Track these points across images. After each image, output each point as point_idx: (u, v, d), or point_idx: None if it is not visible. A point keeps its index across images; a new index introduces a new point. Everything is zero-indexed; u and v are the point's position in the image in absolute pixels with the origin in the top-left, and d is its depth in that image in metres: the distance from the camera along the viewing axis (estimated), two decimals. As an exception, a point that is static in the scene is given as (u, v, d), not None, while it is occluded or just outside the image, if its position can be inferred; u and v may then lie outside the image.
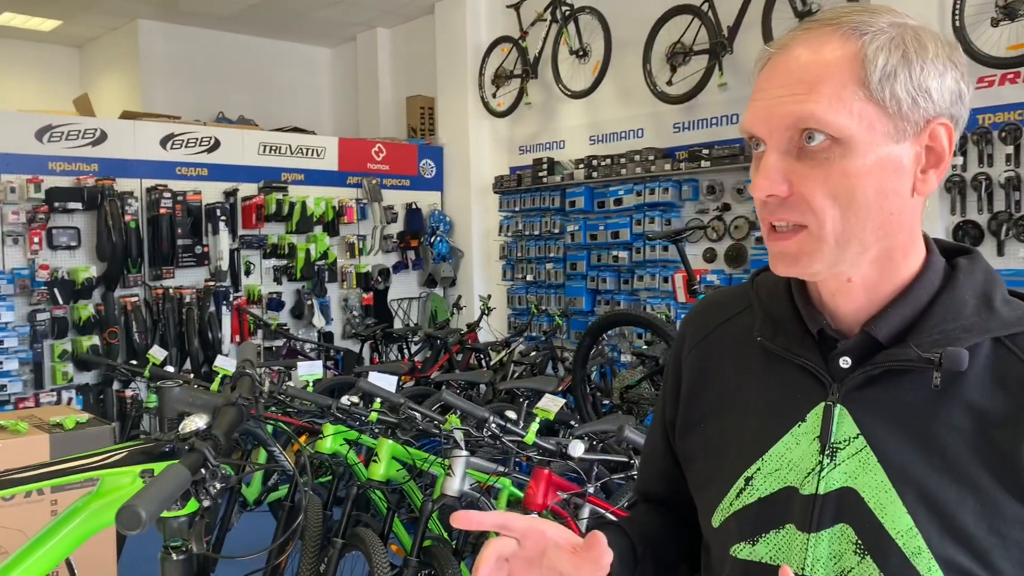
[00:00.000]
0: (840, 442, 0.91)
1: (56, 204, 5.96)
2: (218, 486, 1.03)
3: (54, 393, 6.08)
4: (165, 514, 1.12)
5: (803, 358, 0.94)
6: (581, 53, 6.68)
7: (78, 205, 6.05)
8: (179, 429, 1.07)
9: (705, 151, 5.86)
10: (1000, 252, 4.54)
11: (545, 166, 6.97)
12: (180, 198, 6.49)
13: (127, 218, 6.22)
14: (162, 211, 6.39)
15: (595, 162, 6.59)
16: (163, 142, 6.57)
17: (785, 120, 0.85)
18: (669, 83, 6.07)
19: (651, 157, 6.20)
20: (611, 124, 6.81)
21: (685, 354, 1.09)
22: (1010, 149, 4.50)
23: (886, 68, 0.84)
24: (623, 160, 6.38)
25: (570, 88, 6.77)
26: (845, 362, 0.92)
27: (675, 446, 1.09)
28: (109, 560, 2.14)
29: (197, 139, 6.74)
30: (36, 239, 5.93)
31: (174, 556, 1.09)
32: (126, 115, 6.94)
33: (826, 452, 0.91)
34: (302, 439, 3.57)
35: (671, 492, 1.13)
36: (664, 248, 6.13)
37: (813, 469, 0.91)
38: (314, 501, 2.95)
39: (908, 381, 0.89)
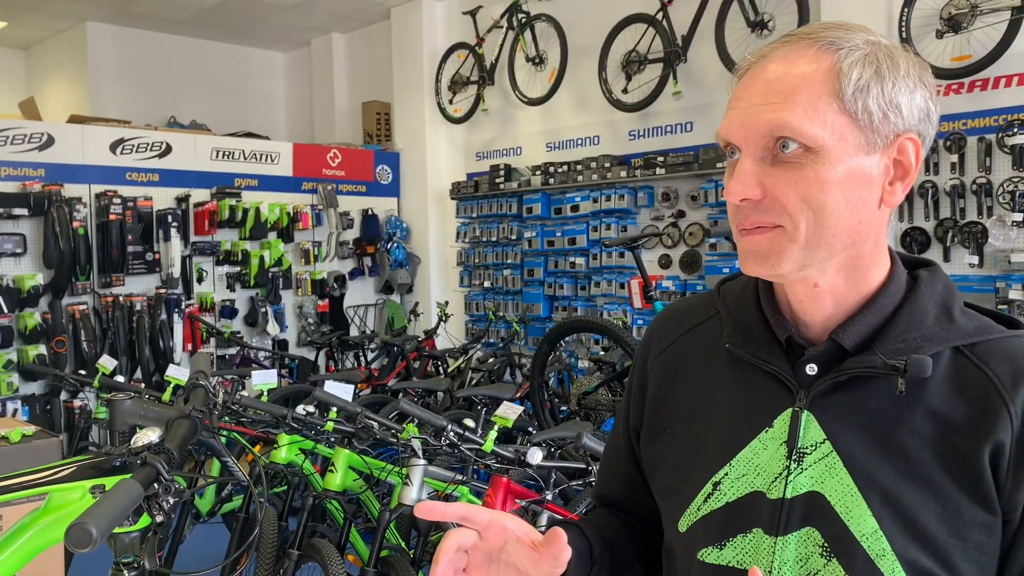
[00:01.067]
0: (807, 447, 0.93)
1: (1, 210, 5.80)
2: (172, 500, 1.01)
3: (0, 405, 5.92)
4: (117, 530, 1.10)
5: (771, 364, 0.96)
6: (537, 60, 6.71)
7: (24, 211, 5.90)
8: (131, 443, 1.04)
9: (660, 158, 5.92)
10: (946, 258, 4.66)
11: (502, 172, 6.98)
12: (130, 204, 6.37)
13: (75, 224, 6.08)
14: (112, 217, 6.26)
15: (552, 168, 6.62)
16: (113, 147, 6.44)
17: (761, 128, 0.88)
18: (624, 91, 6.13)
19: (607, 164, 6.24)
20: (568, 131, 6.85)
21: (651, 361, 1.10)
22: (955, 158, 4.62)
23: (860, 82, 0.87)
24: (579, 167, 6.42)
25: (526, 95, 6.80)
26: (811, 369, 0.94)
27: (639, 453, 1.10)
28: (57, 570, 2.09)
29: (148, 144, 6.62)
30: (-20, 246, 5.77)
31: (126, 573, 1.07)
32: (74, 119, 6.79)
33: (793, 457, 0.93)
34: (256, 449, 3.52)
35: (630, 497, 1.14)
36: (620, 255, 6.17)
37: (780, 474, 0.93)
38: (269, 512, 2.91)
39: (873, 388, 0.91)
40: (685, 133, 6.05)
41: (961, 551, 0.87)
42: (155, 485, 0.99)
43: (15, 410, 5.97)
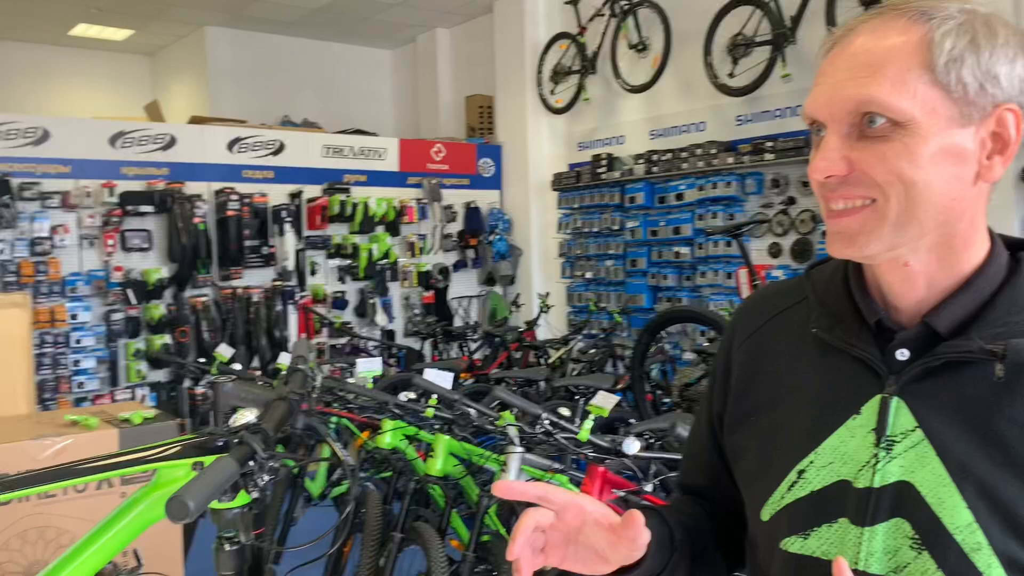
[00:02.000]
0: (897, 435, 0.89)
1: (129, 208, 6.16)
2: (267, 478, 1.05)
3: (129, 390, 6.30)
4: (219, 506, 1.15)
5: (859, 349, 0.92)
6: (640, 47, 6.62)
7: (149, 208, 6.26)
8: (229, 423, 1.10)
9: (769, 143, 5.74)
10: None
11: (604, 162, 6.93)
12: (247, 200, 6.65)
13: (196, 220, 6.39)
14: (229, 213, 6.55)
15: (655, 157, 6.53)
16: (230, 146, 6.73)
17: (847, 103, 0.85)
18: (731, 75, 5.97)
19: (713, 151, 6.11)
20: (672, 118, 6.73)
21: (736, 347, 1.07)
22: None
23: (953, 52, 0.83)
24: (684, 154, 6.30)
25: (629, 83, 6.72)
26: (903, 354, 0.90)
27: (722, 440, 1.08)
28: (176, 552, 2.21)
29: (263, 142, 6.89)
30: (111, 241, 6.15)
31: (227, 547, 1.12)
32: (194, 120, 7.13)
33: (881, 445, 0.89)
34: (364, 435, 3.62)
35: (713, 485, 1.12)
36: (727, 244, 6.03)
37: (868, 462, 0.90)
38: (374, 495, 2.99)
39: (969, 374, 0.87)
40: (795, 117, 5.85)
41: None
42: (251, 463, 1.04)
43: (143, 396, 6.34)
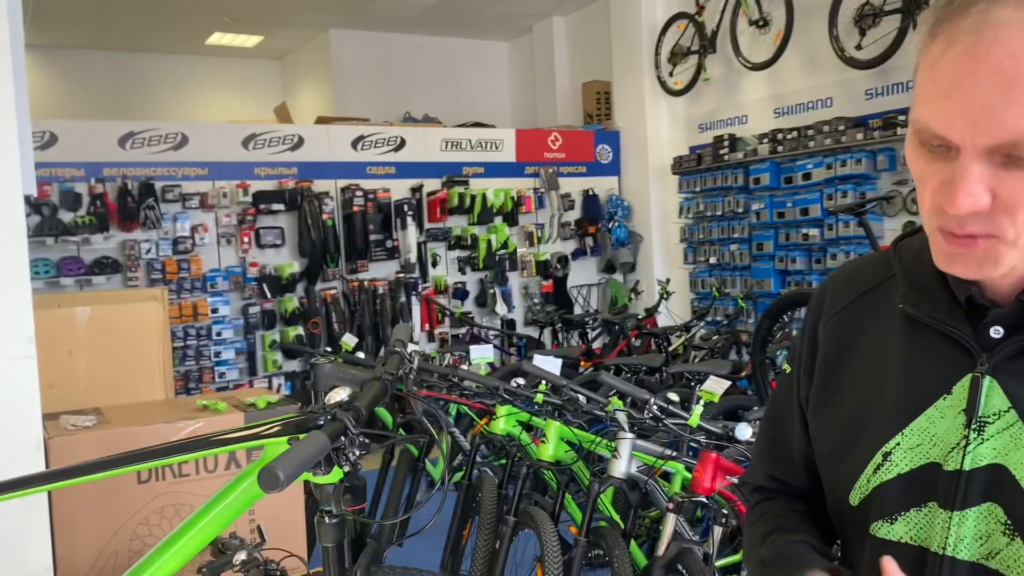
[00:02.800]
0: (989, 416, 0.84)
1: (262, 206, 6.48)
2: (358, 453, 1.09)
3: (266, 380, 6.63)
4: (321, 480, 1.20)
5: (950, 326, 0.87)
6: (761, 23, 6.40)
7: (281, 206, 6.56)
8: (324, 401, 1.14)
9: (902, 117, 5.44)
10: None
11: (726, 143, 6.75)
12: (371, 196, 6.87)
13: (324, 217, 6.65)
14: (355, 209, 6.78)
15: (780, 136, 6.30)
16: (354, 144, 6.97)
17: (1002, 136, 0.73)
18: (858, 47, 5.69)
19: (841, 127, 5.84)
20: (796, 95, 6.48)
21: (822, 324, 1.02)
22: None
23: None
24: (811, 132, 6.05)
25: (751, 60, 6.51)
26: (996, 332, 0.84)
27: (808, 422, 1.02)
28: (299, 531, 2.31)
29: (384, 139, 7.09)
30: (246, 239, 6.48)
31: (327, 519, 1.17)
32: (320, 120, 7.42)
33: (972, 426, 0.84)
34: (483, 421, 3.68)
35: (806, 475, 1.05)
36: (858, 224, 5.75)
37: (958, 444, 0.85)
38: (489, 479, 3.03)
39: None
40: (929, 87, 5.51)
41: None
42: (342, 438, 1.08)
43: (279, 385, 6.66)
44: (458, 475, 4.32)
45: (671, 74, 7.34)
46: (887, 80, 5.74)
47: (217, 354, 6.39)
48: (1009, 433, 0.83)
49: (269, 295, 6.56)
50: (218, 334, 6.41)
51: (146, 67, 9.54)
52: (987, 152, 0.74)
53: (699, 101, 7.35)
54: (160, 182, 6.18)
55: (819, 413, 1.00)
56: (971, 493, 0.84)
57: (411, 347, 3.83)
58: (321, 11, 8.37)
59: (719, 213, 6.93)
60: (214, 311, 6.38)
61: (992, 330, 0.85)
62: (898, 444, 0.89)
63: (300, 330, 6.67)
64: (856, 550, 0.94)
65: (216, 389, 6.38)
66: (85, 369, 2.47)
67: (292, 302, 6.66)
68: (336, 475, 1.13)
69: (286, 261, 6.67)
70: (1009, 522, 0.82)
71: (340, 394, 1.14)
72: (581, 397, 2.69)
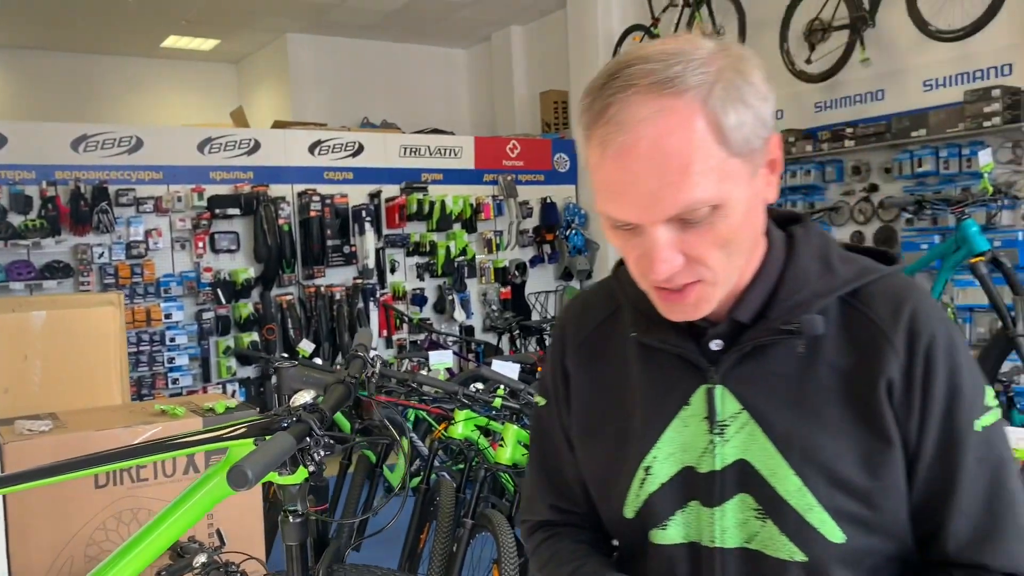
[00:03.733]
0: (726, 419, 0.97)
1: (217, 211, 6.43)
2: (323, 453, 1.12)
3: (220, 386, 6.57)
4: (283, 481, 1.23)
5: (678, 347, 0.99)
6: (715, 36, 6.53)
7: (236, 211, 6.51)
8: (289, 403, 1.17)
9: (849, 130, 5.61)
10: None
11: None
12: (328, 201, 6.85)
13: (280, 222, 6.62)
14: (312, 214, 6.76)
15: (731, 147, 6.44)
16: (311, 148, 6.95)
17: (669, 210, 0.86)
18: (808, 61, 5.86)
19: (791, 139, 6.00)
20: (747, 108, 6.62)
21: (569, 357, 1.11)
22: None
23: (736, 120, 0.86)
24: (760, 144, 6.20)
25: (704, 73, 6.64)
26: (717, 345, 0.98)
27: (575, 450, 1.10)
28: (257, 534, 2.32)
29: (343, 144, 7.08)
30: (200, 244, 6.43)
31: (291, 519, 1.20)
32: (277, 124, 7.38)
33: (715, 430, 0.97)
34: (442, 427, 3.71)
35: (585, 498, 1.11)
36: (806, 233, 5.91)
37: (706, 448, 0.98)
38: (447, 484, 3.07)
39: (776, 353, 0.96)
40: (876, 102, 5.70)
41: (880, 490, 0.92)
42: (307, 439, 1.11)
43: (233, 391, 6.61)
44: (415, 480, 4.35)
45: (627, 84, 7.44)
46: (835, 94, 5.92)
47: (171, 360, 6.32)
48: (746, 431, 0.96)
49: (224, 300, 6.51)
50: (172, 340, 6.34)
51: (99, 69, 9.39)
52: (665, 223, 0.87)
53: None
54: (114, 186, 6.10)
55: (584, 441, 1.09)
56: (726, 488, 0.96)
57: (372, 352, 3.86)
58: (279, 16, 8.34)
59: (673, 222, 7.04)
60: (167, 316, 6.31)
61: (712, 344, 0.98)
62: (655, 457, 1.00)
63: (255, 336, 6.63)
64: (639, 558, 1.03)
65: (169, 395, 6.31)
66: (40, 374, 2.46)
67: (247, 308, 6.61)
68: (301, 475, 1.16)
69: (241, 266, 6.62)
70: (759, 508, 0.94)
71: (305, 396, 1.17)
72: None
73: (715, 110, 0.85)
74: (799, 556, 0.93)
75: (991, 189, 3.83)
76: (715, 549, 0.96)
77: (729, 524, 0.96)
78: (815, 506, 0.92)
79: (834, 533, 0.92)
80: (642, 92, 0.85)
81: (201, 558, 1.81)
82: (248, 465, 0.97)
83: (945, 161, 5.13)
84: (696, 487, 0.98)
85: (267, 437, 1.14)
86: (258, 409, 2.24)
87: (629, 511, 1.02)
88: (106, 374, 2.60)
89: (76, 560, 2.12)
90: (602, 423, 1.06)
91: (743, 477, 0.95)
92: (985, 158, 3.85)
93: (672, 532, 0.99)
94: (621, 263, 1.07)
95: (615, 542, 1.12)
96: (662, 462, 0.99)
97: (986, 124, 4.74)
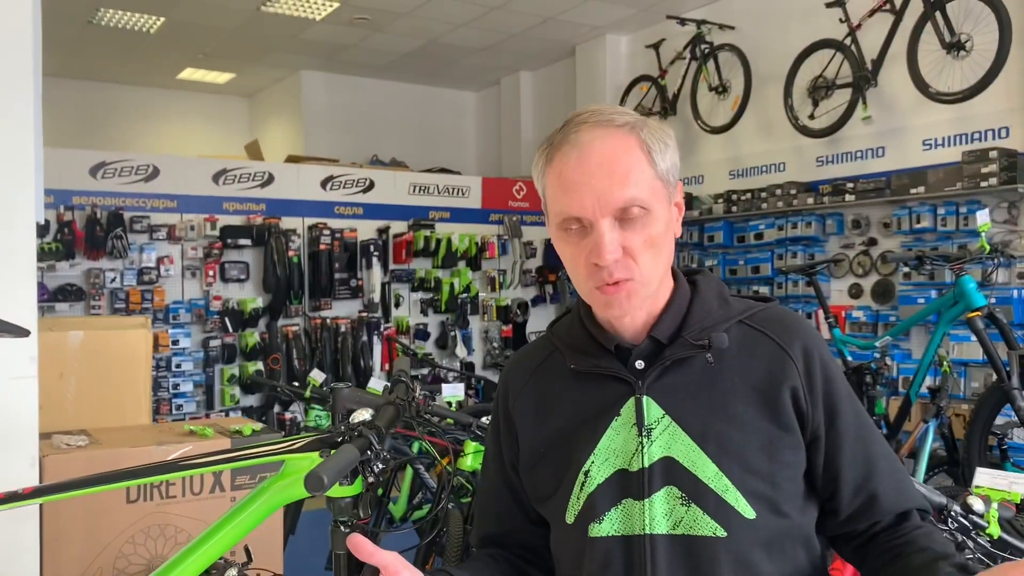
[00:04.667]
0: (652, 423, 1.17)
1: (229, 240, 6.55)
2: (380, 466, 1.22)
3: (223, 414, 6.63)
4: (335, 494, 1.32)
5: (609, 368, 1.20)
6: (720, 89, 6.74)
7: (248, 241, 6.63)
8: (349, 420, 1.27)
9: (850, 184, 5.77)
10: None
11: (684, 201, 7.02)
12: (338, 235, 6.98)
13: (290, 253, 6.75)
14: (322, 247, 6.89)
15: (735, 196, 6.60)
16: (323, 183, 7.10)
17: (616, 203, 1.12)
18: (811, 117, 6.04)
19: (793, 191, 6.15)
20: (751, 158, 6.81)
21: (512, 402, 1.31)
22: None
23: (661, 151, 1.16)
24: (764, 195, 6.36)
25: (709, 123, 6.83)
26: (640, 364, 1.19)
27: (521, 481, 1.29)
28: (276, 550, 2.40)
29: (354, 180, 7.23)
30: (211, 272, 6.54)
31: (342, 528, 1.30)
32: (291, 159, 7.54)
33: (643, 434, 1.16)
34: (445, 460, 3.79)
35: (510, 528, 1.33)
36: (807, 283, 6.04)
37: (636, 450, 1.16)
38: (455, 515, 3.14)
39: (690, 366, 1.18)
40: (876, 159, 5.87)
41: (780, 471, 1.14)
42: (368, 452, 1.21)
43: (236, 419, 6.65)
44: (418, 513, 4.41)
45: (633, 132, 7.62)
46: (837, 149, 6.09)
47: (175, 386, 6.39)
48: (668, 432, 1.16)
49: (231, 329, 6.60)
50: (177, 366, 6.42)
51: (116, 98, 9.57)
52: (611, 217, 1.12)
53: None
54: (129, 212, 6.23)
55: (533, 467, 1.27)
56: (654, 482, 1.14)
57: (375, 383, 3.92)
58: (294, 53, 8.55)
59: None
60: (175, 343, 6.40)
61: (637, 363, 1.19)
62: (592, 462, 1.19)
63: (260, 365, 6.71)
64: (577, 561, 1.19)
65: (172, 421, 6.36)
66: (74, 392, 2.55)
67: (253, 337, 6.70)
68: (357, 487, 1.26)
69: (250, 296, 6.73)
70: (684, 495, 1.13)
71: (363, 414, 1.28)
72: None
73: (646, 140, 1.15)
74: (720, 532, 1.11)
75: (988, 248, 3.96)
76: (645, 536, 1.13)
77: (657, 513, 1.13)
78: (731, 488, 1.12)
79: (747, 510, 1.11)
80: (591, 125, 1.16)
81: (232, 572, 1.89)
82: (324, 471, 1.07)
83: (943, 218, 5.29)
84: (628, 485, 1.16)
85: (328, 450, 1.24)
86: (282, 433, 2.33)
87: (570, 515, 1.19)
88: (135, 395, 2.69)
89: (105, 572, 2.20)
90: (548, 447, 1.25)
91: (668, 471, 1.14)
92: (983, 218, 3.99)
93: (606, 526, 1.16)
94: (552, 324, 1.35)
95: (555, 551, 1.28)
96: (599, 466, 1.18)
97: (983, 184, 4.90)
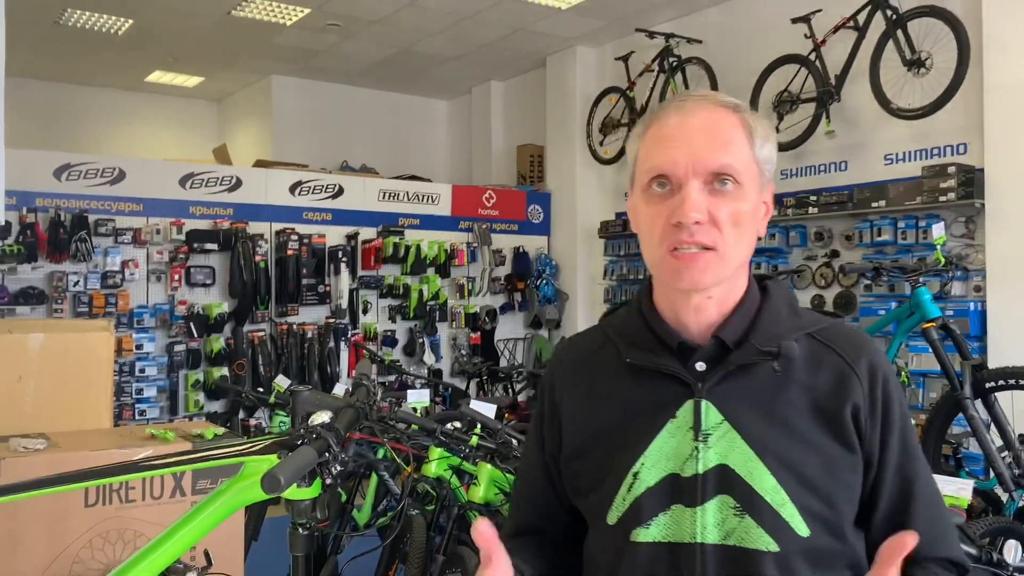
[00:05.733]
0: (710, 429, 1.12)
1: (195, 245, 6.50)
2: (339, 468, 1.24)
3: (188, 419, 6.56)
4: (293, 497, 1.33)
5: (669, 367, 1.16)
6: (688, 102, 6.81)
7: (214, 246, 6.59)
8: (308, 422, 1.29)
9: (813, 197, 5.87)
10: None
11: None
12: (306, 241, 6.95)
13: (257, 259, 6.70)
14: (289, 252, 6.86)
15: (700, 208, 6.68)
16: (292, 189, 7.07)
17: (710, 164, 1.10)
18: (776, 130, 6.12)
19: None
20: (717, 171, 6.89)
21: (559, 392, 1.27)
22: None
23: (762, 140, 1.15)
24: (728, 206, 6.44)
25: (676, 136, 6.90)
26: (700, 366, 1.14)
27: (561, 474, 1.25)
28: (238, 555, 2.39)
29: (323, 186, 7.21)
30: (176, 277, 6.48)
31: (300, 531, 1.31)
32: (259, 164, 7.50)
33: (699, 439, 1.12)
34: (409, 468, 3.79)
35: (547, 520, 1.30)
36: (769, 294, 6.12)
37: (691, 454, 1.12)
38: (419, 521, 3.15)
39: (754, 373, 1.13)
40: (839, 172, 5.99)
41: (838, 491, 1.10)
42: (326, 454, 1.23)
43: (200, 425, 6.59)
44: (382, 520, 4.40)
45: (601, 143, 7.70)
46: (801, 162, 6.20)
47: (139, 391, 6.32)
48: (726, 439, 1.11)
49: (196, 334, 6.54)
50: (141, 371, 6.35)
51: (82, 99, 9.46)
52: (701, 180, 1.09)
53: (626, 171, 7.69)
54: (94, 215, 6.16)
55: (573, 460, 1.22)
56: (708, 490, 1.10)
57: (340, 389, 3.92)
58: (264, 58, 8.51)
59: (641, 277, 7.25)
60: (139, 347, 6.33)
61: (698, 364, 1.14)
62: (643, 464, 1.13)
63: (225, 371, 6.66)
64: (615, 563, 1.15)
65: (135, 426, 6.29)
66: (32, 395, 2.52)
67: (219, 342, 6.65)
68: (315, 489, 1.27)
69: (215, 301, 6.67)
70: (738, 505, 1.09)
71: (322, 417, 1.29)
72: (514, 441, 2.85)
73: (749, 121, 1.14)
74: (772, 547, 1.07)
75: (943, 260, 4.06)
76: (695, 545, 1.09)
77: (710, 522, 1.09)
78: (787, 502, 1.08)
79: (801, 527, 1.08)
80: (697, 99, 1.16)
81: (192, 575, 1.89)
82: (281, 471, 1.08)
83: (903, 231, 5.40)
84: (680, 491, 1.11)
85: (289, 452, 1.25)
86: (245, 437, 2.33)
87: (613, 516, 1.15)
88: (96, 398, 2.66)
89: (61, 577, 2.18)
90: (593, 441, 1.20)
91: (723, 479, 1.10)
92: (938, 231, 4.09)
93: (654, 531, 1.11)
94: (605, 315, 1.29)
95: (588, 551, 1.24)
96: (649, 468, 1.13)
97: (942, 199, 5.01)
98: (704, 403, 1.12)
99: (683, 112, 1.13)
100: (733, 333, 1.14)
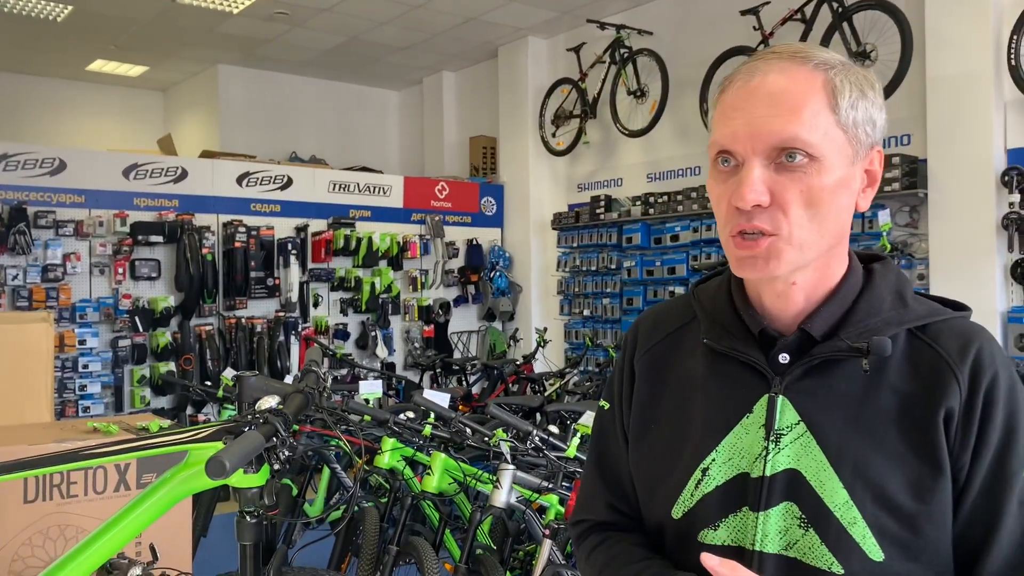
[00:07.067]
0: (783, 428, 1.01)
1: (139, 237, 6.34)
2: (287, 453, 1.20)
3: (133, 416, 6.41)
4: (241, 485, 1.30)
5: (747, 356, 1.04)
6: (639, 93, 6.85)
7: (159, 238, 6.44)
8: (255, 407, 1.25)
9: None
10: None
11: (603, 203, 7.14)
12: (254, 233, 6.83)
13: (204, 251, 6.57)
14: (237, 245, 6.73)
15: (652, 199, 6.73)
16: (239, 180, 6.94)
17: (771, 138, 0.95)
18: (724, 122, 6.19)
19: (708, 194, 6.29)
20: (668, 162, 6.95)
21: (637, 360, 1.16)
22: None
23: (851, 99, 0.97)
24: (680, 197, 6.50)
25: (628, 127, 6.95)
26: (784, 358, 1.02)
27: (629, 445, 1.14)
28: (185, 550, 2.34)
29: (271, 177, 7.10)
30: (120, 270, 6.32)
31: (248, 519, 1.27)
32: (205, 154, 7.35)
33: (771, 438, 1.01)
34: (361, 462, 3.75)
35: (639, 507, 1.15)
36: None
37: (760, 454, 1.01)
38: (371, 512, 3.11)
39: (840, 370, 1.00)
40: (786, 163, 6.06)
41: (926, 516, 0.95)
42: (274, 439, 1.19)
43: (147, 421, 6.44)
44: (334, 514, 4.36)
45: (554, 135, 7.71)
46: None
47: (82, 387, 6.15)
48: (800, 442, 1.00)
49: (141, 328, 6.39)
50: (84, 367, 6.18)
51: (20, 88, 9.17)
52: (764, 156, 0.95)
53: (579, 162, 7.74)
54: (33, 207, 5.97)
55: (639, 441, 1.12)
56: (773, 495, 0.99)
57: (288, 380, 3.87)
58: (210, 47, 8.34)
59: (594, 268, 7.28)
60: (82, 343, 6.16)
61: (781, 356, 1.02)
62: (714, 460, 1.04)
63: (172, 366, 6.52)
64: (681, 559, 1.06)
65: (78, 424, 6.12)
66: (-33, 389, 2.43)
67: (165, 337, 6.51)
68: (263, 475, 1.23)
69: (161, 294, 6.53)
70: (804, 517, 0.98)
71: (269, 402, 1.25)
72: (468, 429, 2.83)
73: (833, 82, 0.96)
74: (836, 568, 0.96)
75: (889, 247, 4.14)
76: (754, 553, 0.99)
77: (771, 530, 0.99)
78: (859, 520, 0.96)
79: (874, 551, 0.95)
80: (775, 58, 0.98)
81: (136, 570, 1.83)
82: (226, 456, 1.04)
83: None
84: (747, 493, 1.01)
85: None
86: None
87: (678, 511, 1.05)
88: (35, 392, 2.58)
89: (-1, 576, 2.10)
90: (660, 423, 1.10)
91: (791, 486, 0.99)
92: (884, 218, 4.17)
93: (722, 533, 1.02)
94: (698, 283, 1.17)
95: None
96: (720, 466, 1.03)
97: (887, 189, 5.11)
98: (780, 399, 1.01)
99: (750, 74, 0.98)
100: (822, 324, 1.01)
